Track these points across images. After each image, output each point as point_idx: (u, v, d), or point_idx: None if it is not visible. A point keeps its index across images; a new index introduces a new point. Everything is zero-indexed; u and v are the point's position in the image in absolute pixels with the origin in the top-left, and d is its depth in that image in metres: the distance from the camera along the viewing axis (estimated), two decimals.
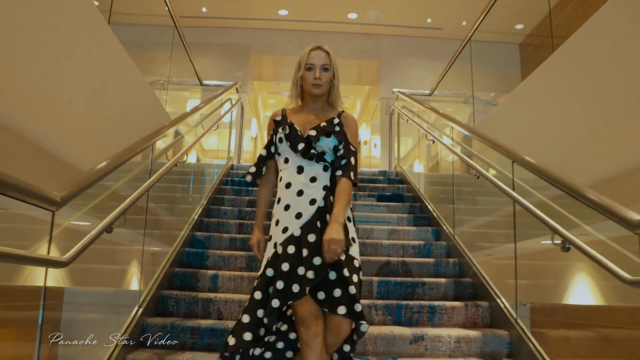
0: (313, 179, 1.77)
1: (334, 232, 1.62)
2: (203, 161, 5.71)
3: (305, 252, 1.66)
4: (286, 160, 1.82)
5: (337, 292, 1.64)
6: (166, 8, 4.43)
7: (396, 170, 5.61)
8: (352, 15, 7.86)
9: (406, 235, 3.76)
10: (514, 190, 2.61)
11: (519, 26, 7.78)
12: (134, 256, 2.61)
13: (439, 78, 5.72)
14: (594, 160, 2.63)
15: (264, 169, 1.89)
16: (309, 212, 1.72)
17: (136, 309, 2.44)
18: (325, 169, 1.81)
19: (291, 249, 1.67)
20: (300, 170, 1.79)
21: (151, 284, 2.69)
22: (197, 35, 7.55)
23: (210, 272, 2.96)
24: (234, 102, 5.52)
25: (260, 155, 1.90)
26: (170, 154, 3.16)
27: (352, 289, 1.63)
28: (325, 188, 1.77)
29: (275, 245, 1.71)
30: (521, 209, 2.49)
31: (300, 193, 1.75)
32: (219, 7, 7.53)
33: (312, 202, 1.74)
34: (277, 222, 1.75)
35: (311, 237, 1.68)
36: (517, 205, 2.58)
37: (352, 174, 1.78)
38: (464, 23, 7.68)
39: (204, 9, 7.60)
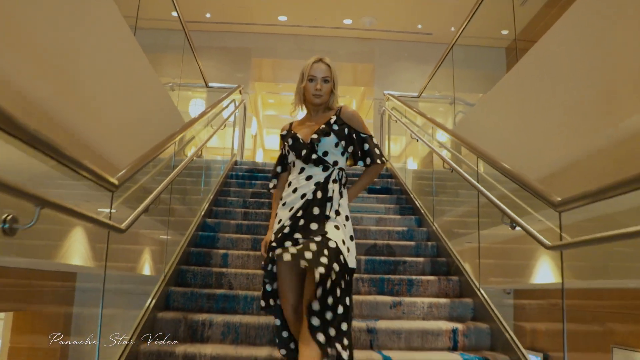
0: (309, 177, 1.97)
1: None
2: (211, 157, 6.19)
3: (287, 229, 1.92)
4: (293, 165, 2.06)
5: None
6: (174, 13, 4.91)
7: (386, 166, 6.11)
8: (348, 21, 8.34)
9: (392, 223, 4.25)
10: (478, 182, 3.10)
11: (505, 31, 8.27)
12: (160, 238, 3.09)
13: (426, 81, 6.20)
14: (547, 152, 3.13)
15: (277, 181, 2.17)
16: (299, 204, 1.95)
17: (161, 279, 2.92)
18: (325, 169, 1.99)
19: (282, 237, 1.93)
20: (301, 171, 2.01)
21: (172, 260, 3.17)
22: (202, 39, 7.99)
23: (221, 251, 3.44)
24: (237, 104, 5.99)
25: (276, 172, 2.17)
26: (186, 151, 3.63)
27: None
28: (316, 184, 1.96)
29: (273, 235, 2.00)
30: (485, 201, 2.99)
31: (295, 190, 1.98)
32: (222, 12, 8.00)
33: (303, 196, 1.96)
34: (277, 216, 2.04)
35: (293, 214, 1.94)
36: (481, 198, 3.07)
37: (376, 157, 2.01)
38: (452, 29, 8.15)
39: (208, 15, 8.07)
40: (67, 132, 2.45)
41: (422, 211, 4.36)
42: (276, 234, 1.96)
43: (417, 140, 4.76)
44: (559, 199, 2.09)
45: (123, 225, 1.93)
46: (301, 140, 2.01)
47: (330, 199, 1.94)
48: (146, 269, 3.01)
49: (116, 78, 3.03)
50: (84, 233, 2.28)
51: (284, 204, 2.01)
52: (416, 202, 4.60)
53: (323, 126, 2.00)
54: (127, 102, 3.20)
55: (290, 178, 2.06)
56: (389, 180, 5.50)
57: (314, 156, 1.97)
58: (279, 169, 2.17)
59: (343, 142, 1.99)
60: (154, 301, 2.69)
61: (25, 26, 1.94)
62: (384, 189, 5.15)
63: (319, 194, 1.94)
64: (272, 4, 7.78)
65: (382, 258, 3.46)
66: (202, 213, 4.01)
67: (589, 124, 2.59)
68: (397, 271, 3.42)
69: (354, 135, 2.02)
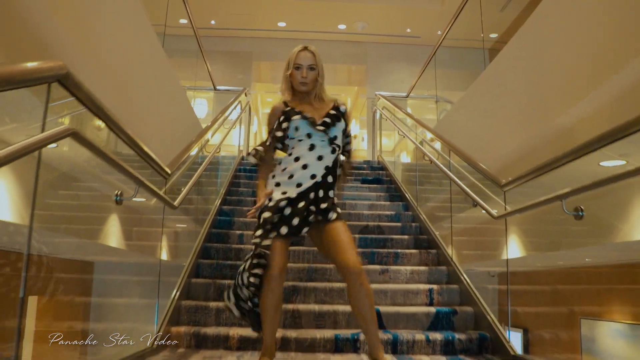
0: (320, 158, 2.03)
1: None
2: (222, 154, 6.84)
3: (287, 210, 1.99)
4: (299, 140, 2.06)
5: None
6: (182, 20, 5.55)
7: (378, 160, 6.77)
8: (342, 26, 8.99)
9: (382, 208, 4.91)
10: (450, 170, 3.77)
11: (494, 35, 8.95)
12: (191, 221, 3.74)
13: (414, 82, 6.86)
14: (501, 144, 3.79)
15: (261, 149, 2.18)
16: (308, 183, 2.02)
17: (192, 254, 3.57)
18: (333, 151, 2.07)
19: (283, 204, 1.98)
20: (311, 148, 2.03)
21: (199, 239, 3.82)
22: (207, 43, 8.58)
23: (237, 232, 4.09)
24: (243, 105, 6.64)
25: (264, 143, 2.18)
26: (207, 149, 4.28)
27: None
28: (326, 168, 2.04)
29: (273, 200, 2.00)
30: (456, 189, 3.64)
31: (305, 167, 2.02)
32: (226, 19, 8.64)
33: (312, 176, 2.02)
34: (279, 185, 2.04)
35: (301, 204, 2.00)
36: (453, 187, 3.73)
37: (349, 158, 2.26)
38: (439, 32, 8.81)
39: (212, 22, 8.69)
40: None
41: (408, 198, 5.02)
42: (275, 208, 1.97)
43: (404, 137, 5.42)
44: (504, 180, 2.76)
45: (175, 203, 2.58)
46: (312, 118, 2.06)
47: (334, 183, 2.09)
48: (181, 245, 3.67)
49: (153, 91, 3.67)
50: (147, 208, 2.92)
51: (290, 177, 2.03)
52: (403, 191, 5.27)
53: (332, 112, 2.10)
54: (162, 109, 3.84)
55: (298, 153, 2.05)
56: (380, 172, 6.16)
57: (326, 132, 2.04)
58: (278, 145, 2.15)
59: (347, 130, 2.16)
60: (187, 271, 3.35)
61: (104, 59, 2.58)
62: (375, 179, 5.81)
63: (330, 179, 2.06)
64: (272, 11, 8.42)
65: (373, 236, 4.13)
66: (219, 201, 4.66)
67: (532, 124, 3.26)
68: (385, 246, 4.08)
69: (344, 131, 2.17)
